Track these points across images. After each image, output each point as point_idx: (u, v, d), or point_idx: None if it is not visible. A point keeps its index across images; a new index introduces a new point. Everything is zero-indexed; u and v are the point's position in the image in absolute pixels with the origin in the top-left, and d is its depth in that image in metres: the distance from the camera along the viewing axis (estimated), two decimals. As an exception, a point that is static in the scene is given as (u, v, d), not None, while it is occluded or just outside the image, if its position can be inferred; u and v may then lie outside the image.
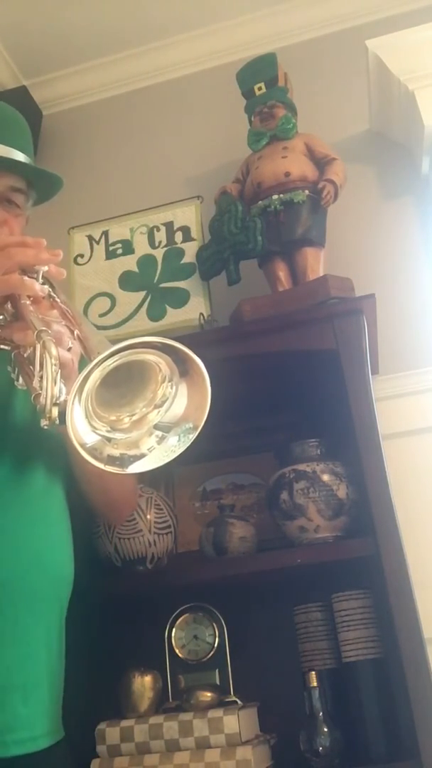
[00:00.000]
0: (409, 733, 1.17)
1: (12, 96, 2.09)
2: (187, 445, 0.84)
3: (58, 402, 0.77)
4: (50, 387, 0.77)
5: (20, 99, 2.08)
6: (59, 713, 1.02)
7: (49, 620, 1.01)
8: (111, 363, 0.78)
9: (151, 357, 0.82)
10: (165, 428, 0.85)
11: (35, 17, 2.05)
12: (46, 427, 0.77)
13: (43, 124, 2.21)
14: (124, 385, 0.84)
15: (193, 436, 0.84)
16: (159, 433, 0.85)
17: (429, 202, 1.87)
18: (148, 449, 0.85)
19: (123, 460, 0.83)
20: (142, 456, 0.84)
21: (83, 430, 0.79)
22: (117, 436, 0.83)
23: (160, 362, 0.83)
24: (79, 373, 0.77)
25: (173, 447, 0.84)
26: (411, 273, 1.82)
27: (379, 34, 1.79)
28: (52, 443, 1.05)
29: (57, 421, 0.77)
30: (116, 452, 0.83)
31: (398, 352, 1.73)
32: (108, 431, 0.82)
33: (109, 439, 0.82)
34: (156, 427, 0.85)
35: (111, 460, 0.82)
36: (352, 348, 1.38)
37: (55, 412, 0.76)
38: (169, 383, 0.84)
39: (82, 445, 0.78)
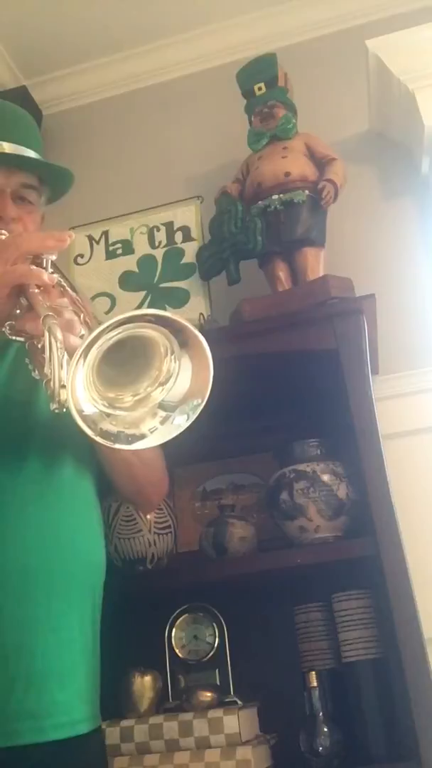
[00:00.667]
0: (409, 733, 1.17)
1: (12, 96, 2.08)
2: (194, 419, 0.83)
3: (65, 385, 0.77)
4: (57, 370, 0.77)
5: (20, 99, 2.07)
6: (97, 700, 1.03)
7: (82, 607, 1.02)
8: (111, 336, 0.77)
9: (150, 332, 0.82)
10: (171, 407, 0.84)
11: (35, 17, 2.05)
12: (56, 411, 0.77)
13: (43, 124, 2.20)
14: (129, 363, 0.83)
15: (200, 410, 0.83)
16: (164, 413, 0.84)
17: (429, 202, 1.87)
18: (149, 430, 0.84)
19: (118, 437, 0.82)
20: (143, 436, 0.84)
21: (83, 398, 0.78)
22: (117, 413, 0.83)
23: (160, 336, 0.82)
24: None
25: (180, 425, 0.83)
26: (411, 273, 1.82)
27: (379, 34, 1.79)
28: (80, 434, 1.06)
29: (66, 404, 0.77)
30: (114, 429, 0.82)
31: (398, 352, 1.73)
32: (105, 406, 0.82)
33: (107, 415, 0.82)
34: (161, 406, 0.84)
35: (105, 434, 0.81)
36: (352, 348, 1.38)
37: (63, 395, 0.76)
38: (172, 356, 0.83)
39: (79, 412, 0.78)
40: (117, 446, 0.83)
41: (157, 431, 0.84)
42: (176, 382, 0.84)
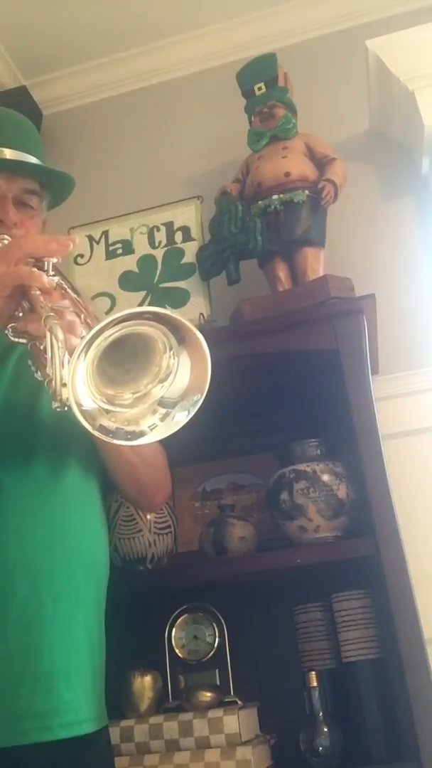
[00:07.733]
0: (409, 733, 1.17)
1: (12, 96, 2.09)
2: (193, 414, 0.84)
3: (66, 383, 0.77)
4: (59, 369, 0.78)
5: (20, 99, 2.07)
6: (102, 700, 1.04)
7: (87, 607, 1.03)
8: (111, 333, 0.78)
9: (149, 329, 0.82)
10: (170, 404, 0.85)
11: (35, 17, 2.05)
12: (58, 410, 0.78)
13: (43, 124, 2.20)
14: (129, 361, 0.84)
15: (199, 405, 0.84)
16: (163, 410, 0.85)
17: (429, 202, 1.87)
18: (149, 427, 0.85)
19: (117, 433, 0.83)
20: (142, 433, 0.84)
21: (82, 393, 0.79)
22: (116, 409, 0.83)
23: (158, 333, 0.83)
24: None
25: (180, 421, 0.84)
26: (411, 273, 1.82)
27: (379, 34, 1.79)
28: (84, 436, 1.07)
29: (68, 403, 0.77)
30: (112, 425, 0.83)
31: (398, 352, 1.73)
32: (104, 402, 0.82)
33: (107, 411, 0.82)
34: (161, 403, 0.85)
35: (104, 430, 0.82)
36: (352, 348, 1.38)
37: (65, 393, 0.77)
38: (171, 352, 0.84)
39: (78, 406, 0.78)
40: (116, 442, 0.83)
41: (157, 428, 0.85)
42: (175, 378, 0.84)
